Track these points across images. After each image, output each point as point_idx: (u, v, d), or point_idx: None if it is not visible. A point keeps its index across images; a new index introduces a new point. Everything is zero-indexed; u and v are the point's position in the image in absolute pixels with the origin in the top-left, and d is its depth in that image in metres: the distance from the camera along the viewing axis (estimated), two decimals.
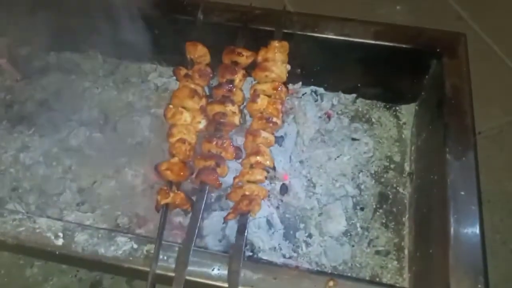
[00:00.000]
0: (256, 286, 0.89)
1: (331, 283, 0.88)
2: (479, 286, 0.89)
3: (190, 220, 0.99)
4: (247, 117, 1.21)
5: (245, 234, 0.99)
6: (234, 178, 1.07)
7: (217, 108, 1.12)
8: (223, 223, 1.12)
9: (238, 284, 0.89)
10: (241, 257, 0.92)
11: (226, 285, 0.90)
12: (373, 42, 1.25)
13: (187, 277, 0.90)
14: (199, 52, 1.19)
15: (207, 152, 1.08)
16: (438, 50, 1.22)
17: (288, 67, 1.17)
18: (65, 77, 1.51)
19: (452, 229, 0.95)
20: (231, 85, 1.14)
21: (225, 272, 0.91)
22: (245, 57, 1.18)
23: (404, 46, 1.25)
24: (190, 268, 0.91)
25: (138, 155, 1.30)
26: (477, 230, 0.95)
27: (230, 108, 1.12)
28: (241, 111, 1.15)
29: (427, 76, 1.29)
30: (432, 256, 1.02)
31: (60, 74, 1.51)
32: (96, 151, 1.34)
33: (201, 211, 1.00)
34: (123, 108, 1.43)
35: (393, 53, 1.26)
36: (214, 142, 1.07)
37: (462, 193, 0.99)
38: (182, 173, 1.06)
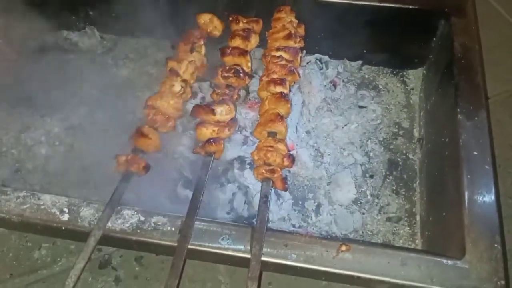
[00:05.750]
0: (267, 254, 0.87)
1: (343, 248, 0.86)
2: (496, 245, 0.86)
3: (194, 192, 0.97)
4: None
5: (268, 204, 0.95)
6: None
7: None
8: (232, 194, 1.11)
9: (261, 255, 0.86)
10: (264, 228, 0.89)
11: (234, 253, 0.88)
12: (378, 4, 1.22)
13: (197, 247, 0.88)
14: (211, 23, 1.20)
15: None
16: (446, 9, 1.19)
17: None
18: (63, 56, 1.48)
19: (466, 190, 0.92)
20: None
21: (232, 243, 0.89)
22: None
23: (410, 7, 1.21)
24: (198, 239, 0.89)
25: None
26: (491, 189, 0.92)
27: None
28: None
29: (434, 38, 1.25)
30: (446, 219, 1.00)
31: (58, 53, 1.48)
32: (98, 129, 1.32)
33: (205, 182, 0.98)
34: (123, 84, 1.40)
35: (399, 15, 1.23)
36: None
37: (475, 153, 0.97)
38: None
